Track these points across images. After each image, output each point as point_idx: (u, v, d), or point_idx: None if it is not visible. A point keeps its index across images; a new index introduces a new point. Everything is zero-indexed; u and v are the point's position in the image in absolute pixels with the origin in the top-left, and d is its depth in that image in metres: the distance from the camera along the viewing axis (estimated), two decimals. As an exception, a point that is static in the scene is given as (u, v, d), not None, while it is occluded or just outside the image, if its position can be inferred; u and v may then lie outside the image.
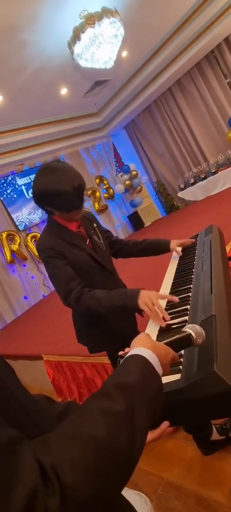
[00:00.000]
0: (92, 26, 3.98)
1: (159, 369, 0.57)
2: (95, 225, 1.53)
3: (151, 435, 0.62)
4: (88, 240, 1.45)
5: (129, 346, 0.65)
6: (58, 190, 1.22)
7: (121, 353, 0.69)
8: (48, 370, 2.92)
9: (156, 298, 1.12)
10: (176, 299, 1.13)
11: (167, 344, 0.65)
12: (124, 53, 5.80)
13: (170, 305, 1.15)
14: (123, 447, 0.42)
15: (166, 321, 1.04)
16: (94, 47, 4.22)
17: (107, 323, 1.40)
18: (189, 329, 0.69)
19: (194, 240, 1.71)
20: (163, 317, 1.05)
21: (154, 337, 0.98)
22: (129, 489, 0.98)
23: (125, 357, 0.60)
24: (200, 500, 1.42)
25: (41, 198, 1.28)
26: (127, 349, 0.66)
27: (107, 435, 0.41)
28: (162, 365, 0.59)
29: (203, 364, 0.69)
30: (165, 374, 0.61)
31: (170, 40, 6.17)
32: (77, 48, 4.25)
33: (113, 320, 1.39)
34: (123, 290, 1.30)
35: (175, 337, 0.68)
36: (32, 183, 1.37)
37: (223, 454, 1.53)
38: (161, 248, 1.65)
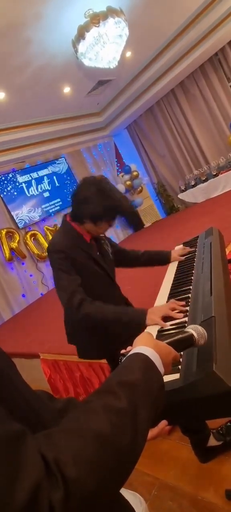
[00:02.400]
0: (97, 25, 3.98)
1: (161, 368, 0.58)
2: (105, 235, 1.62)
3: (150, 433, 0.62)
4: (98, 252, 1.53)
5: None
6: (118, 201, 1.36)
7: (122, 351, 0.69)
8: (45, 369, 2.91)
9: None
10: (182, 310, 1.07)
11: (169, 343, 0.65)
12: (128, 54, 5.80)
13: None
14: (125, 444, 0.43)
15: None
16: (99, 46, 4.21)
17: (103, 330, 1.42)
18: (191, 329, 0.69)
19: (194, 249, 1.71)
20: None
21: (154, 336, 0.98)
22: (124, 488, 0.98)
23: (128, 355, 0.60)
24: (195, 502, 1.42)
25: (91, 202, 1.33)
26: (129, 348, 0.66)
27: (110, 432, 0.42)
28: (164, 364, 0.59)
29: (202, 364, 0.69)
30: (166, 373, 0.61)
31: (174, 42, 6.17)
32: (82, 47, 4.25)
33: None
34: (128, 308, 1.39)
35: (177, 337, 0.68)
36: (79, 184, 1.44)
37: (219, 456, 1.53)
38: (162, 262, 1.73)
